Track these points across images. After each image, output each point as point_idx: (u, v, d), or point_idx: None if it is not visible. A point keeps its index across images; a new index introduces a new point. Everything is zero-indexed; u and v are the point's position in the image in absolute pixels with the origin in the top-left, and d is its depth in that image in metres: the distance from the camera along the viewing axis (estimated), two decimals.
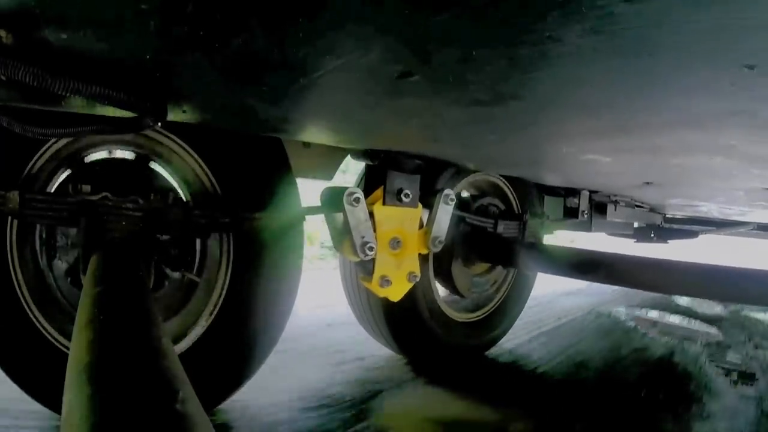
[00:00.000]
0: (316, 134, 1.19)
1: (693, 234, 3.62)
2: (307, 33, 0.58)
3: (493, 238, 2.03)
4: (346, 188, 1.32)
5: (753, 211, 2.82)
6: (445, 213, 1.52)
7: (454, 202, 1.54)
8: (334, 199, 1.37)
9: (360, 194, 1.32)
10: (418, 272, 1.50)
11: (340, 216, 1.36)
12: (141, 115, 0.94)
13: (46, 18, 0.60)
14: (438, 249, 1.53)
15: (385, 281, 1.43)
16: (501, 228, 2.05)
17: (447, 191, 1.52)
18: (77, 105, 0.94)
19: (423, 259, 1.85)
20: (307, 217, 1.54)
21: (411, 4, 0.50)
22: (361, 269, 1.47)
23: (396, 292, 1.47)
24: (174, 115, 1.01)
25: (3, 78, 0.78)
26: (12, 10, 0.60)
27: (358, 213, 1.33)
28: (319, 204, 1.49)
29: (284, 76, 0.71)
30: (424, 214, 1.54)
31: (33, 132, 0.95)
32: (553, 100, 0.75)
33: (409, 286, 1.50)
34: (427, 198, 1.52)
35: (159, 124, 0.96)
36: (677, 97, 0.71)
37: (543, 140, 1.08)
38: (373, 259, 1.40)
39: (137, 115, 0.94)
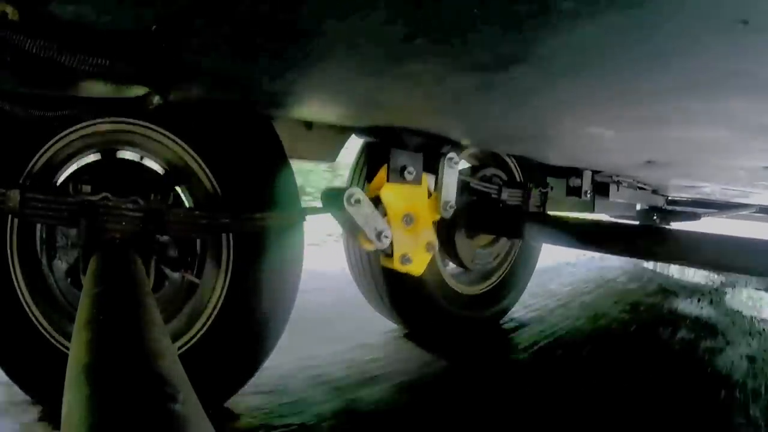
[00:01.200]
0: (319, 110, 1.20)
1: (695, 216, 3.63)
2: None
3: (498, 209, 2.03)
4: (346, 189, 1.33)
5: (754, 192, 2.83)
6: (451, 177, 1.53)
7: (458, 165, 1.55)
8: (334, 200, 1.38)
9: (359, 194, 1.33)
10: (435, 241, 1.52)
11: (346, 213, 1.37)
12: (144, 95, 0.96)
13: None
14: (450, 214, 1.54)
15: (405, 259, 1.45)
16: (505, 195, 2.03)
17: (451, 154, 1.53)
18: (79, 89, 0.95)
19: None
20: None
21: None
22: (381, 252, 1.49)
23: (417, 267, 1.50)
24: (176, 93, 1.03)
25: (8, 59, 0.79)
26: None
27: (362, 210, 1.35)
28: (321, 205, 1.50)
29: (289, 42, 0.72)
30: (430, 180, 1.55)
31: (37, 114, 0.97)
32: (552, 62, 0.76)
33: (429, 256, 1.52)
34: (432, 163, 1.53)
35: (163, 101, 0.97)
36: (674, 57, 0.72)
37: (545, 110, 1.09)
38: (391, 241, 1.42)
39: (140, 95, 0.95)
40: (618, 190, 2.56)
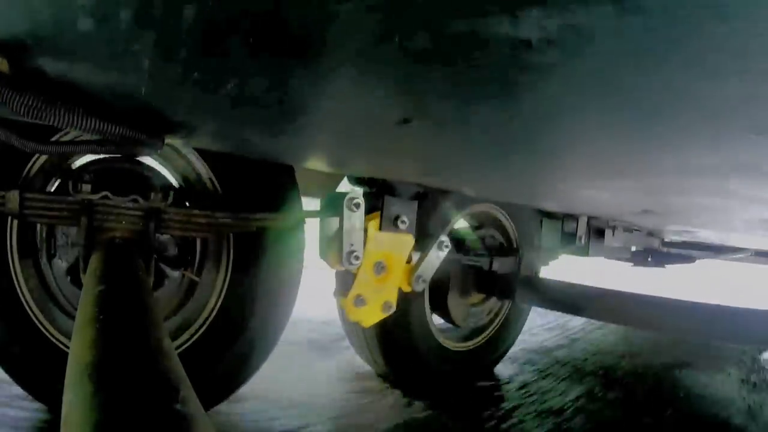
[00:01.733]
0: (314, 163, 1.18)
1: (690, 259, 3.61)
2: (304, 80, 0.57)
3: (490, 272, 2.03)
4: (348, 193, 1.31)
5: (751, 238, 2.82)
6: (436, 258, 1.51)
7: (448, 249, 1.52)
8: (333, 204, 1.35)
9: (361, 200, 1.31)
10: (394, 304, 1.47)
11: (334, 221, 1.34)
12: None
13: (39, 48, 0.59)
14: (420, 288, 1.51)
15: (359, 300, 1.40)
16: (496, 265, 2.04)
17: (443, 238, 1.50)
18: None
19: None
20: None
21: (407, 56, 0.49)
22: (339, 283, 1.45)
23: (368, 317, 1.44)
24: (173, 141, 1.01)
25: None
26: (5, 39, 0.59)
27: (354, 219, 1.31)
28: (318, 209, 1.48)
29: (281, 117, 0.70)
30: (415, 256, 1.51)
31: (30, 147, 0.95)
32: (551, 149, 0.74)
33: (383, 316, 1.46)
34: (421, 239, 1.50)
35: (157, 152, 0.95)
36: (679, 152, 0.70)
37: (540, 179, 1.08)
38: (354, 275, 1.38)
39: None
40: (614, 234, 2.54)
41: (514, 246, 2.24)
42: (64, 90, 0.72)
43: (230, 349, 1.47)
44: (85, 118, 0.74)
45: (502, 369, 2.28)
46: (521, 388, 2.07)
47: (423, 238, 1.50)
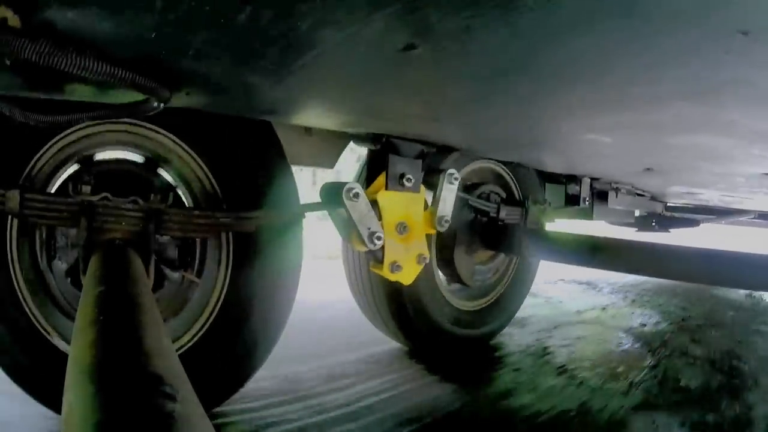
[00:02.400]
0: (318, 116, 1.19)
1: (694, 222, 3.62)
2: (312, 4, 0.59)
3: (496, 225, 2.04)
4: (345, 184, 1.32)
5: (753, 198, 2.83)
6: (449, 192, 1.52)
7: (458, 182, 1.54)
8: (333, 195, 1.37)
9: (359, 188, 1.33)
10: (427, 254, 1.50)
11: (343, 210, 1.36)
12: (144, 99, 0.95)
13: None
14: (445, 228, 1.53)
15: (395, 267, 1.44)
16: (503, 213, 2.05)
17: (450, 170, 1.52)
18: (79, 93, 0.95)
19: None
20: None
21: None
22: (371, 257, 1.47)
23: (407, 276, 1.48)
24: (177, 100, 1.02)
25: (8, 62, 0.79)
26: None
27: (359, 206, 1.34)
28: (318, 201, 1.49)
29: (289, 52, 0.72)
30: (428, 196, 1.54)
31: (35, 120, 0.96)
32: (551, 71, 0.76)
33: (419, 268, 1.50)
34: (431, 178, 1.52)
35: (162, 106, 0.97)
36: (673, 66, 0.72)
37: (543, 117, 1.09)
38: (382, 247, 1.41)
39: (140, 100, 0.95)
40: (617, 197, 2.55)
41: (518, 199, 2.26)
42: (74, 40, 0.73)
43: (231, 348, 1.48)
44: (96, 63, 0.75)
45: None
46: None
47: (431, 179, 1.52)
